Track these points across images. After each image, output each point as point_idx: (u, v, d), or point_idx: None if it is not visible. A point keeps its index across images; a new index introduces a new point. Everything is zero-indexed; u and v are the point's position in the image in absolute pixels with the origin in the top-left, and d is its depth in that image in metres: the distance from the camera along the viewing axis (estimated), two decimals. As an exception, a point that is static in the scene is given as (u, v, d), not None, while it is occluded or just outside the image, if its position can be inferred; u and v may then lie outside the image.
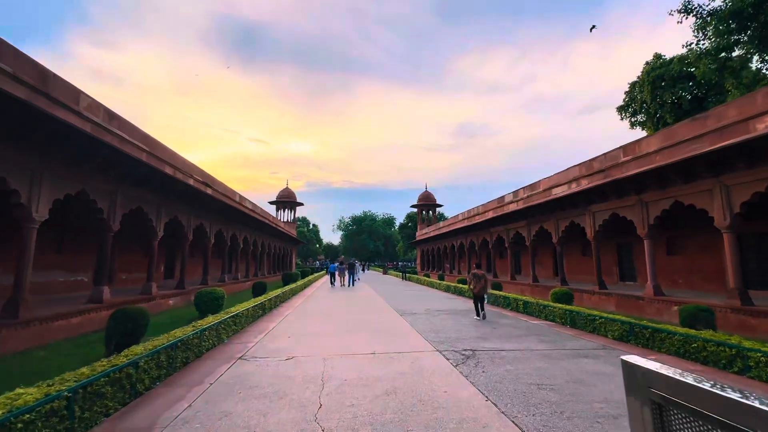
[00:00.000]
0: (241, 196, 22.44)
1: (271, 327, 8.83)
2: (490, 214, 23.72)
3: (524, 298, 11.57)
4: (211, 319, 7.15)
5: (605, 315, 7.93)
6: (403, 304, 13.37)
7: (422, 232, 44.58)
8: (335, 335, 7.76)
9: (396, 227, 79.34)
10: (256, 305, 10.13)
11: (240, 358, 5.95)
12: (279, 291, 14.25)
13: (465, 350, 6.35)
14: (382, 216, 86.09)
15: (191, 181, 14.82)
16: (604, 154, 13.81)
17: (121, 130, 10.28)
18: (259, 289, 15.25)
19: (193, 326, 6.29)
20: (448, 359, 5.75)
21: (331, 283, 25.33)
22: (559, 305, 9.73)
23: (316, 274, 34.33)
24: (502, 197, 22.49)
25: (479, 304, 10.09)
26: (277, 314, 11.02)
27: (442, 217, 52.64)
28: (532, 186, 18.94)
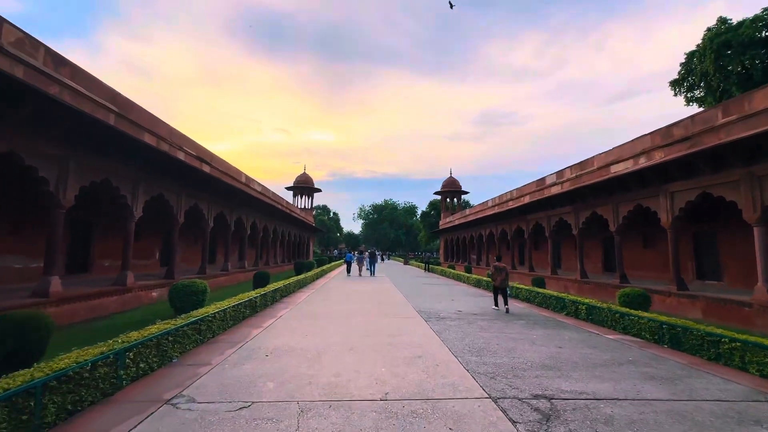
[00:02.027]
0: (248, 177, 20.50)
1: (251, 335, 6.61)
2: (526, 199, 20.84)
3: (586, 300, 8.90)
4: (153, 329, 4.96)
5: (741, 337, 5.22)
6: (428, 303, 10.95)
7: (446, 221, 41.82)
8: (332, 354, 5.44)
9: (418, 216, 76.66)
10: (240, 303, 7.96)
11: (169, 401, 3.69)
12: (281, 283, 12.13)
13: (535, 396, 3.87)
14: (403, 204, 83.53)
15: (181, 155, 12.81)
16: (690, 117, 10.77)
17: (76, 82, 8.21)
18: (260, 280, 13.24)
19: (110, 344, 4.09)
20: (514, 422, 3.29)
21: (347, 272, 24.66)
22: (646, 314, 7.05)
23: (332, 263, 32.38)
24: (543, 179, 19.52)
25: (502, 297, 9.95)
26: (269, 314, 8.84)
27: (467, 206, 49.57)
28: (582, 164, 15.94)
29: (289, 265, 29.70)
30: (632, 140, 12.92)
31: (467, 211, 34.61)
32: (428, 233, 60.14)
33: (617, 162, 13.44)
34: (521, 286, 12.57)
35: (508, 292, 10.02)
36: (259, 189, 22.36)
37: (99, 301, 8.91)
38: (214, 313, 6.55)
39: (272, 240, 26.16)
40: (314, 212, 68.15)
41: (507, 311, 9.57)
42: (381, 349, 5.73)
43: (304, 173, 43.64)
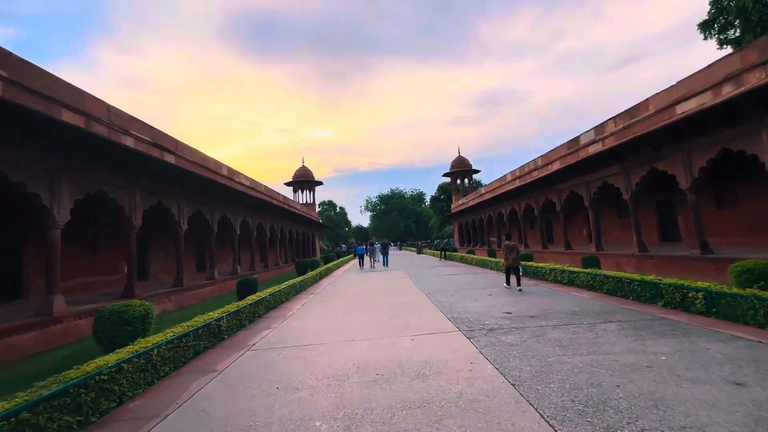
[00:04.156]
0: (231, 170, 17.86)
1: (185, 395, 3.92)
2: (555, 166, 17.84)
3: (702, 285, 6.03)
4: None
5: None
6: (460, 302, 8.19)
7: (459, 203, 38.86)
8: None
9: (426, 203, 73.79)
10: (189, 332, 5.30)
11: None
12: (267, 292, 9.49)
13: None
14: (410, 192, 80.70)
15: (129, 141, 10.16)
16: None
17: None
18: (245, 290, 10.68)
19: None
20: None
21: (360, 265, 23.58)
22: None
23: (340, 260, 29.78)
24: (576, 139, 16.49)
25: (515, 276, 9.96)
26: (238, 342, 6.16)
27: (478, 186, 46.42)
28: (630, 111, 12.88)
29: (293, 266, 27.21)
30: (707, 66, 9.85)
31: (482, 190, 31.60)
32: (440, 219, 57.25)
33: (686, 99, 10.39)
34: (578, 269, 9.71)
35: (520, 270, 10.15)
36: (247, 183, 19.73)
37: (3, 342, 6.34)
38: (118, 364, 3.87)
39: (270, 240, 23.61)
40: (319, 208, 65.72)
41: (520, 290, 9.49)
42: (406, 422, 2.98)
43: (303, 166, 40.96)
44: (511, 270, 10.08)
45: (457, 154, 41.90)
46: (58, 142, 7.48)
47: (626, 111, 12.99)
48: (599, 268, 11.01)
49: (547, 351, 4.46)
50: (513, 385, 3.51)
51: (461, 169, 40.71)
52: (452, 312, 7.21)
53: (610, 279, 8.00)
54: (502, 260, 11.40)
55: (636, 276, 7.44)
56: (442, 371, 4.02)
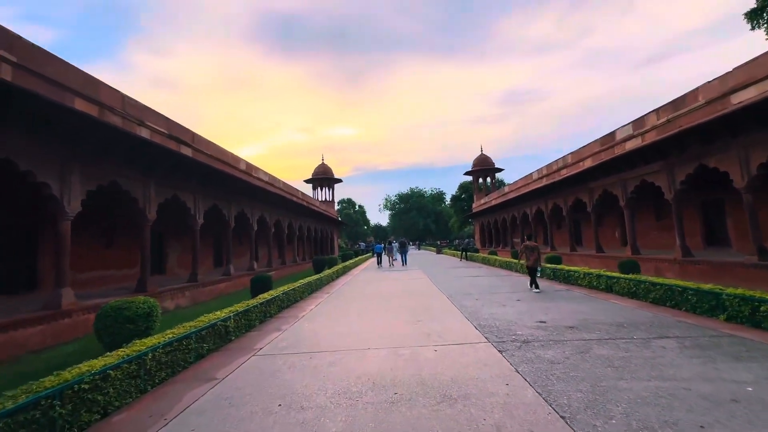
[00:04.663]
0: (250, 165, 17.65)
1: (178, 409, 3.45)
2: (587, 164, 16.78)
3: (774, 296, 5.15)
4: None
5: None
6: (485, 308, 7.48)
7: (480, 203, 37.77)
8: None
9: (446, 202, 72.64)
10: (191, 333, 4.86)
11: None
12: (281, 290, 9.08)
13: None
14: (430, 191, 79.71)
15: (144, 133, 9.95)
16: None
17: None
18: (259, 287, 10.35)
19: None
20: None
21: (378, 264, 23.52)
22: None
23: (358, 258, 29.36)
24: (611, 134, 15.40)
25: (533, 278, 9.73)
26: (246, 344, 5.70)
27: (501, 185, 45.06)
28: (675, 103, 11.78)
29: (311, 263, 26.97)
30: (771, 50, 8.75)
31: (506, 189, 30.49)
32: (460, 219, 56.09)
33: (744, 87, 9.30)
34: (617, 274, 8.84)
35: (539, 271, 10.00)
36: (265, 179, 19.51)
37: (8, 336, 6.12)
38: (103, 371, 3.43)
39: (288, 236, 23.38)
40: (339, 206, 65.67)
41: (537, 289, 9.51)
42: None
43: (323, 164, 40.79)
44: (534, 271, 9.85)
45: (480, 153, 40.76)
46: (70, 131, 7.24)
47: (670, 102, 11.89)
48: (639, 273, 10.07)
49: (597, 372, 3.75)
50: (563, 417, 2.85)
51: (483, 167, 39.55)
52: (478, 318, 6.54)
53: (658, 286, 7.11)
54: (524, 262, 10.74)
55: (691, 284, 6.55)
56: (473, 393, 3.39)
